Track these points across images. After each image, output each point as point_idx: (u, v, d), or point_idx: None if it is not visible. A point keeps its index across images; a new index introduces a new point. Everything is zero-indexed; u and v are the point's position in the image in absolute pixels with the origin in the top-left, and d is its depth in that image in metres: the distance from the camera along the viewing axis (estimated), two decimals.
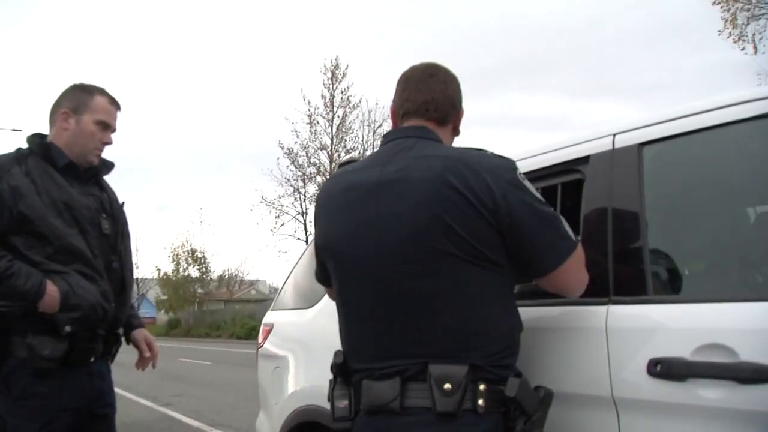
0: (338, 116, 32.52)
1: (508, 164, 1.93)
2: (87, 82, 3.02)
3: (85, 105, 2.90)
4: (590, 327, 2.01)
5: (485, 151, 1.97)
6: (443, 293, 1.85)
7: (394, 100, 2.18)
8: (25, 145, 2.87)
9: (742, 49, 18.79)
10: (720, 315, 1.78)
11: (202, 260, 51.82)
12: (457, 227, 1.82)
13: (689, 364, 1.75)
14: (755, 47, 18.67)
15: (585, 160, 2.28)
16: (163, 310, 56.78)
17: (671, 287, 2.07)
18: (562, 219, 1.95)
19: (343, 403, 1.98)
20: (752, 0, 18.60)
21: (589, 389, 1.98)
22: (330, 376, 2.08)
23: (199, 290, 52.67)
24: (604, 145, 2.23)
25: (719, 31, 19.02)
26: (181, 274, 52.18)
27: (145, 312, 64.43)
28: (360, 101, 32.62)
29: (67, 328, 2.65)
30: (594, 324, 2.00)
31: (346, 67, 32.57)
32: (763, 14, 18.57)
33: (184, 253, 51.93)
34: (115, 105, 3.02)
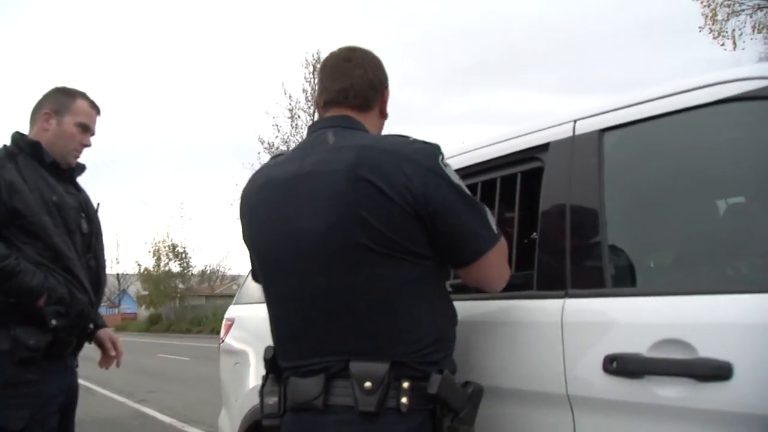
0: None
1: (431, 150, 1.85)
2: (70, 85, 3.10)
3: (66, 107, 2.97)
4: (545, 321, 1.92)
5: (407, 137, 1.89)
6: (362, 289, 1.79)
7: (317, 91, 2.11)
8: (8, 142, 2.91)
9: (722, 45, 18.88)
10: (678, 308, 1.69)
11: (183, 255, 51.67)
12: (373, 220, 1.74)
13: (646, 361, 1.65)
14: (735, 43, 18.76)
15: (545, 147, 2.18)
16: (144, 306, 56.47)
17: (631, 280, 1.98)
18: (486, 210, 1.88)
19: (272, 400, 1.91)
20: None
21: (543, 387, 1.89)
22: None
23: (180, 285, 52.49)
24: (565, 131, 2.14)
25: (700, 27, 19.12)
26: (162, 269, 51.97)
27: (126, 307, 64.29)
28: None
29: (53, 322, 2.71)
30: (549, 318, 1.90)
31: None
32: (743, 10, 18.67)
33: (165, 248, 51.75)
34: (96, 109, 3.09)
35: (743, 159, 1.88)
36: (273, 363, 1.95)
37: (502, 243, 1.90)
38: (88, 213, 3.05)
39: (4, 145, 2.87)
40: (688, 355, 1.59)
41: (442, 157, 1.85)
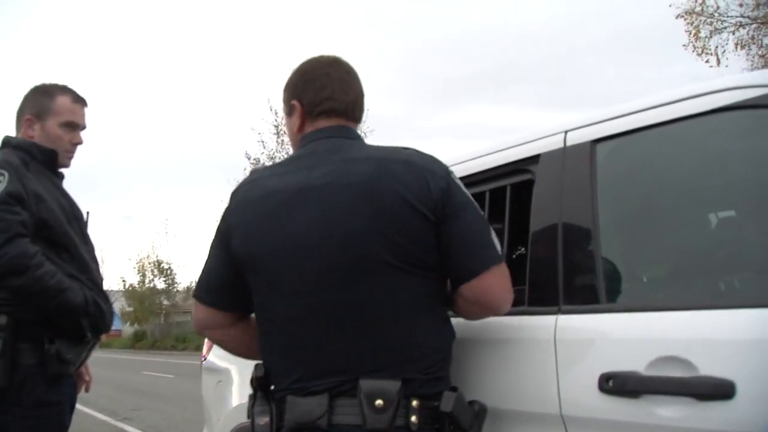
0: None
1: (443, 163, 1.87)
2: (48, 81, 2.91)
3: (47, 109, 2.79)
4: (537, 338, 1.85)
5: (417, 150, 1.88)
6: (376, 304, 1.74)
7: (301, 97, 1.98)
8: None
9: (706, 61, 19.05)
10: (677, 324, 1.62)
11: (168, 271, 51.17)
12: (393, 233, 1.71)
13: (644, 379, 1.59)
14: (718, 59, 18.93)
15: (535, 159, 2.13)
16: (129, 323, 55.98)
17: (626, 295, 1.92)
18: (492, 230, 1.85)
19: (263, 420, 1.83)
20: (715, 14, 18.89)
21: (535, 407, 1.82)
22: None
23: (165, 302, 51.96)
24: (556, 143, 2.08)
25: (684, 45, 19.31)
26: (147, 285, 51.48)
27: None
28: None
29: (89, 335, 2.69)
30: (541, 335, 1.84)
31: None
32: (725, 28, 18.86)
33: (149, 264, 51.29)
34: (80, 102, 2.90)
35: (739, 170, 1.83)
36: (264, 381, 1.87)
37: (505, 266, 1.85)
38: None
39: (11, 151, 2.70)
40: (688, 373, 1.52)
41: (452, 172, 1.85)
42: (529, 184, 2.13)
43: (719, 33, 19.00)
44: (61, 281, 2.52)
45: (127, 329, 57.58)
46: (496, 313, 1.88)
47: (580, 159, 1.98)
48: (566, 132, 2.07)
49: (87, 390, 3.08)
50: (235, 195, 1.96)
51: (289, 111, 2.02)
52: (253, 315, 2.00)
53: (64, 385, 2.70)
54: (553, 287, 1.90)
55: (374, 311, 1.74)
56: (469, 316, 1.92)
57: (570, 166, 2.00)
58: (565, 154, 2.03)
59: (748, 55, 18.82)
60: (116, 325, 63.02)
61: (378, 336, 1.74)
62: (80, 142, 2.89)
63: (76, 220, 2.77)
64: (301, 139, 1.99)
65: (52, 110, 2.80)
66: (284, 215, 1.82)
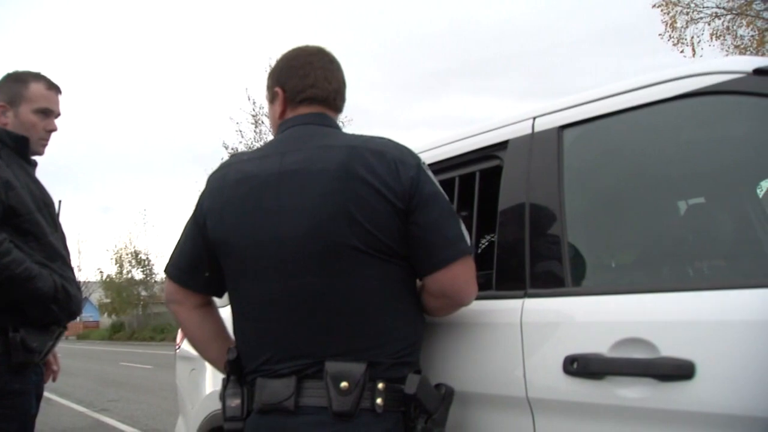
0: None
1: (415, 154, 1.88)
2: (22, 69, 2.88)
3: (20, 95, 2.77)
4: (504, 322, 1.87)
5: (390, 139, 1.90)
6: (345, 289, 1.76)
7: (284, 84, 2.02)
8: None
9: (681, 51, 19.15)
10: (639, 307, 1.64)
11: (146, 262, 50.83)
12: (362, 219, 1.73)
13: (607, 361, 1.61)
14: (693, 50, 19.03)
15: (504, 145, 2.14)
16: (107, 314, 55.64)
17: (592, 279, 1.93)
18: (462, 223, 1.86)
19: (235, 402, 1.85)
20: (691, 5, 18.99)
21: (502, 389, 1.84)
22: None
23: (143, 293, 51.64)
24: (524, 129, 2.09)
25: (660, 34, 19.39)
26: (125, 276, 51.19)
27: (88, 315, 63.22)
28: None
29: (61, 321, 2.69)
30: (508, 319, 1.85)
31: None
32: (701, 18, 18.96)
33: (127, 255, 50.96)
34: (54, 89, 2.87)
35: (702, 156, 1.85)
36: (236, 364, 1.89)
37: (472, 260, 1.86)
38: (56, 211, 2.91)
39: None
40: (650, 355, 1.55)
41: (423, 161, 1.86)
42: (498, 170, 2.15)
43: (695, 23, 19.11)
44: (30, 269, 2.50)
45: (105, 320, 57.32)
46: (460, 305, 1.90)
47: (548, 145, 1.99)
48: (534, 118, 2.08)
49: (54, 380, 3.06)
50: (212, 179, 1.98)
51: (272, 98, 2.05)
52: (221, 307, 2.03)
53: (30, 374, 2.67)
54: (519, 271, 1.92)
55: (342, 296, 1.75)
56: (434, 312, 1.93)
57: (537, 151, 2.01)
58: (533, 140, 2.04)
59: (723, 45, 18.96)
60: (94, 316, 62.76)
61: (346, 321, 1.75)
62: (54, 129, 2.87)
63: (46, 207, 2.73)
64: (280, 125, 2.01)
65: (26, 97, 2.77)
66: (257, 200, 1.83)
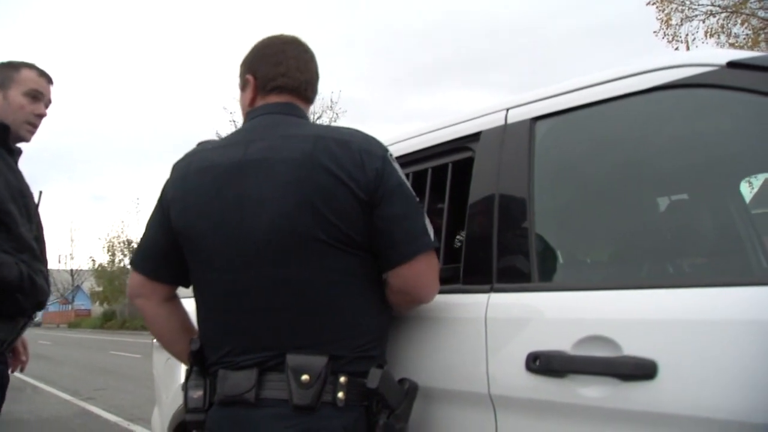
0: None
1: (382, 144, 1.85)
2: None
3: (10, 78, 2.75)
4: (469, 317, 1.83)
5: (357, 130, 1.86)
6: (309, 282, 1.73)
7: (255, 72, 1.99)
8: None
9: (676, 48, 19.12)
10: (603, 304, 1.60)
11: None
12: (326, 211, 1.70)
13: (569, 359, 1.57)
14: (688, 47, 19.00)
15: (476, 137, 2.10)
16: (98, 302, 55.61)
17: (558, 274, 1.90)
18: (426, 217, 1.83)
19: (197, 393, 1.82)
20: (685, 2, 18.98)
21: (465, 385, 1.80)
22: None
23: None
24: (497, 120, 2.05)
25: (655, 31, 19.38)
26: (117, 265, 51.18)
27: (79, 304, 63.21)
28: None
29: (27, 311, 2.66)
30: (473, 314, 1.81)
31: None
32: (696, 16, 18.95)
33: (119, 243, 51.01)
34: (46, 77, 2.85)
35: (679, 152, 1.81)
36: (199, 355, 1.86)
37: (435, 256, 1.84)
38: (33, 202, 2.85)
39: None
40: (613, 353, 1.51)
41: (390, 153, 1.83)
42: (470, 162, 2.10)
43: (690, 21, 19.11)
44: None
45: (97, 309, 57.24)
46: (421, 302, 1.87)
47: (519, 137, 1.95)
48: (508, 109, 2.04)
49: (22, 370, 3.02)
50: (176, 167, 1.95)
51: (243, 85, 2.02)
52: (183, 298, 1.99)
53: None
54: (487, 265, 1.88)
55: (305, 289, 1.72)
56: (396, 307, 1.90)
57: (509, 143, 1.97)
58: (505, 131, 2.00)
59: (717, 43, 18.95)
60: (86, 305, 62.69)
61: (308, 313, 1.72)
62: (43, 114, 2.83)
63: (22, 197, 2.67)
64: (248, 113, 1.98)
65: (16, 79, 2.75)
66: (219, 190, 1.80)
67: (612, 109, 1.82)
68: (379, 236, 1.75)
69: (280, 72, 1.95)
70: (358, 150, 1.75)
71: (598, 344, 1.54)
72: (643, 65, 1.78)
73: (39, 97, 2.80)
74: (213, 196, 1.80)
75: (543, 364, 1.60)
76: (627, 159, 1.88)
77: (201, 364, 1.85)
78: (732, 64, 1.61)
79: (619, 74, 1.82)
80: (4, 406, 2.72)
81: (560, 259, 1.92)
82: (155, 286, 1.97)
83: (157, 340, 2.11)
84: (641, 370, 1.45)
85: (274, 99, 1.95)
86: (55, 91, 2.91)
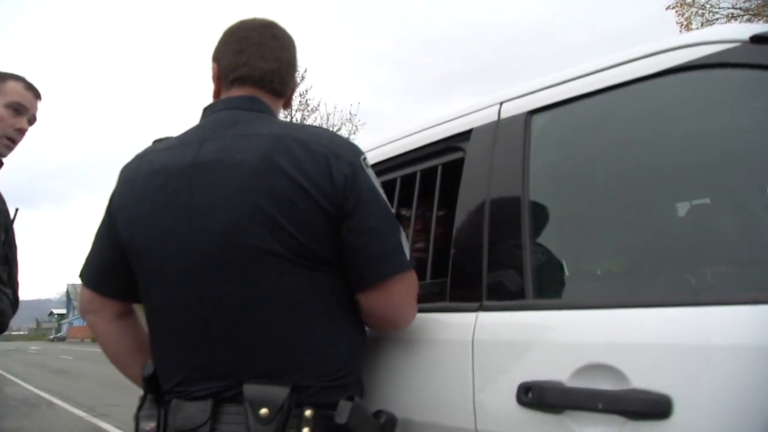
0: (296, 119, 31.92)
1: (354, 146, 1.64)
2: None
3: None
4: (455, 339, 1.59)
5: (327, 130, 1.66)
6: (264, 301, 1.51)
7: (219, 60, 1.77)
8: None
9: None
10: (607, 326, 1.35)
11: None
12: (284, 221, 1.48)
13: (567, 392, 1.32)
14: None
15: (467, 135, 1.86)
16: None
17: (556, 290, 1.66)
18: (403, 231, 1.61)
19: (149, 425, 1.61)
20: (706, 5, 18.66)
21: (449, 419, 1.55)
22: None
23: None
24: (489, 116, 1.82)
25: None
26: None
27: None
28: (318, 105, 31.83)
29: None
30: (459, 336, 1.57)
31: (305, 71, 31.85)
32: (717, 19, 18.57)
33: None
34: (33, 91, 2.66)
35: (693, 142, 1.56)
36: (152, 382, 1.66)
37: (414, 276, 1.63)
38: (6, 220, 2.66)
39: None
40: (618, 386, 1.26)
41: (365, 157, 1.61)
42: (461, 163, 1.87)
43: (710, 24, 18.78)
44: None
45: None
46: (396, 328, 1.68)
47: (513, 133, 1.71)
48: (501, 103, 1.81)
49: None
50: (124, 171, 1.74)
51: (212, 76, 1.80)
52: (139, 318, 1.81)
53: None
54: (476, 280, 1.64)
55: (260, 308, 1.51)
56: (371, 329, 1.70)
57: (502, 141, 1.73)
58: (497, 128, 1.77)
59: None
60: None
61: (265, 336, 1.51)
62: (24, 129, 2.63)
63: None
64: (205, 108, 1.76)
65: (1, 91, 2.57)
66: (168, 196, 1.59)
67: (618, 98, 1.58)
68: (348, 253, 1.54)
69: (241, 61, 1.72)
70: (323, 153, 1.53)
71: (601, 374, 1.29)
72: (652, 46, 1.54)
73: (22, 111, 2.61)
74: (160, 203, 1.59)
75: (536, 396, 1.36)
76: (637, 156, 1.63)
77: (155, 391, 1.65)
78: (756, 39, 1.36)
79: (624, 58, 1.58)
80: (16, 422, 2.56)
81: (559, 273, 1.67)
82: (105, 301, 1.77)
83: (111, 361, 1.88)
84: (652, 407, 1.20)
85: (235, 92, 1.72)
86: (42, 108, 2.73)
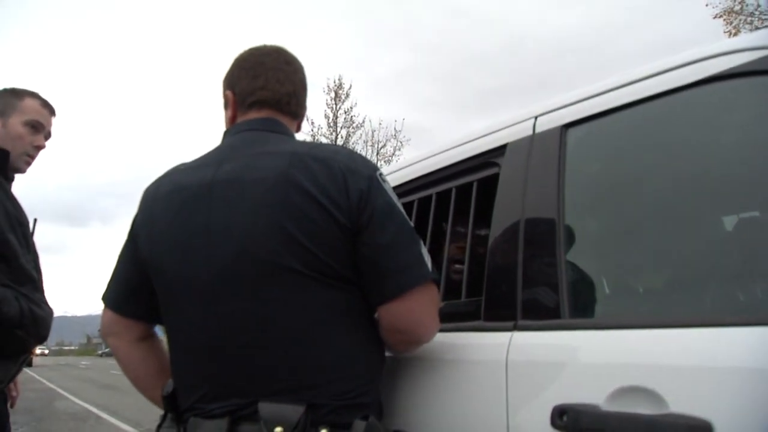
0: (341, 136, 31.93)
1: (370, 162, 1.66)
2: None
3: (12, 107, 2.66)
4: (488, 360, 1.55)
5: (343, 147, 1.67)
6: (280, 318, 1.51)
7: (234, 86, 1.82)
8: None
9: None
10: (645, 346, 1.30)
11: None
12: (301, 237, 1.49)
13: (603, 416, 1.27)
14: None
15: (502, 150, 1.83)
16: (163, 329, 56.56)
17: (593, 309, 1.59)
18: (422, 243, 1.60)
19: None
20: (755, 13, 18.31)
21: None
22: None
23: None
24: (524, 130, 1.79)
25: None
26: None
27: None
28: (363, 121, 31.90)
29: (29, 346, 2.54)
30: (493, 356, 1.53)
31: (350, 87, 32.01)
32: (766, 26, 18.23)
33: None
34: (48, 108, 2.76)
35: (738, 153, 1.49)
36: (172, 400, 1.66)
37: (434, 289, 1.60)
38: (28, 230, 2.72)
39: None
40: (656, 410, 1.20)
41: (381, 173, 1.62)
42: (496, 179, 1.83)
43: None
44: None
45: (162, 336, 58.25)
46: (418, 342, 1.64)
47: (548, 148, 1.67)
48: (536, 117, 1.78)
49: (12, 406, 2.88)
50: (146, 192, 1.76)
51: (225, 103, 1.85)
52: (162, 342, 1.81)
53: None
54: (510, 299, 1.60)
55: (277, 325, 1.51)
56: (393, 348, 1.68)
57: (536, 156, 1.69)
58: (532, 142, 1.73)
59: None
60: (160, 333, 63.86)
61: (281, 354, 1.51)
62: (42, 146, 2.73)
63: (20, 226, 2.57)
64: (225, 132, 1.81)
65: (18, 108, 2.66)
66: (186, 214, 1.61)
67: (658, 108, 1.52)
68: (366, 267, 1.53)
69: (258, 85, 1.78)
70: (340, 169, 1.54)
71: (639, 397, 1.23)
72: (696, 53, 1.48)
73: (39, 128, 2.71)
74: (179, 222, 1.62)
75: (571, 420, 1.31)
76: (678, 168, 1.56)
77: (174, 409, 1.65)
78: None
79: (664, 66, 1.53)
80: None
81: (596, 292, 1.61)
82: (127, 323, 1.78)
83: (132, 384, 1.89)
84: None
85: (253, 115, 1.77)
86: (56, 124, 2.81)
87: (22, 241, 2.55)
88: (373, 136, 31.09)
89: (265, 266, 1.49)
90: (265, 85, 1.77)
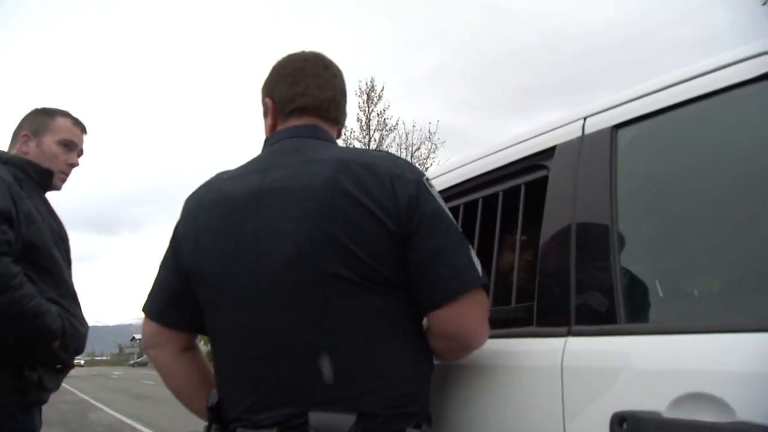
0: (375, 139, 31.80)
1: (416, 167, 1.66)
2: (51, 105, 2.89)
3: (45, 126, 2.75)
4: (542, 366, 1.52)
5: (389, 153, 1.67)
6: (332, 326, 1.50)
7: (273, 94, 1.80)
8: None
9: None
10: (710, 352, 1.26)
11: None
12: (351, 244, 1.48)
13: (664, 424, 1.23)
14: None
15: (550, 152, 1.80)
16: (202, 341, 56.93)
17: (651, 314, 1.56)
18: (471, 248, 1.59)
19: None
20: None
21: None
22: None
23: None
24: (573, 131, 1.76)
25: None
26: None
27: None
28: (397, 124, 31.75)
29: (68, 360, 2.58)
30: (547, 362, 1.50)
31: (382, 89, 31.80)
32: None
33: None
34: (80, 126, 2.86)
35: None
36: (216, 411, 1.63)
37: (484, 294, 1.59)
38: (68, 245, 2.81)
39: (3, 167, 2.57)
40: (722, 417, 1.16)
41: (427, 178, 1.62)
42: (545, 182, 1.81)
43: None
44: (39, 305, 2.36)
45: (203, 347, 58.65)
46: (469, 348, 1.63)
47: (598, 149, 1.64)
48: (585, 118, 1.75)
49: None
50: (188, 201, 1.76)
51: (264, 111, 1.84)
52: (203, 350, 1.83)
53: (36, 413, 2.58)
54: (564, 304, 1.57)
55: (328, 334, 1.50)
56: (441, 355, 1.65)
57: (586, 157, 1.66)
58: (582, 144, 1.70)
59: None
60: None
61: (332, 363, 1.49)
62: (76, 164, 2.83)
63: (62, 242, 2.65)
64: (266, 139, 1.80)
65: (51, 127, 2.75)
66: (233, 223, 1.60)
67: (714, 106, 1.48)
68: (415, 273, 1.52)
69: (298, 91, 1.76)
70: (387, 175, 1.54)
71: (703, 405, 1.20)
72: (754, 47, 1.44)
73: (72, 146, 2.80)
74: (226, 232, 1.61)
75: (631, 427, 1.27)
76: (736, 167, 1.51)
77: (220, 420, 1.63)
78: None
79: (720, 63, 1.49)
80: None
81: (652, 295, 1.57)
82: (170, 334, 1.77)
83: (175, 396, 1.88)
84: None
85: (294, 122, 1.76)
86: (87, 141, 2.89)
87: (65, 256, 2.62)
88: (407, 139, 30.94)
89: (314, 274, 1.49)
90: (305, 91, 1.76)
